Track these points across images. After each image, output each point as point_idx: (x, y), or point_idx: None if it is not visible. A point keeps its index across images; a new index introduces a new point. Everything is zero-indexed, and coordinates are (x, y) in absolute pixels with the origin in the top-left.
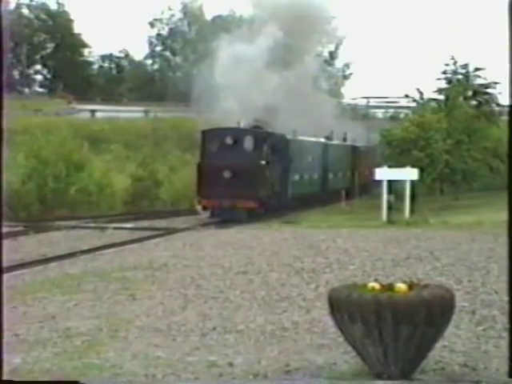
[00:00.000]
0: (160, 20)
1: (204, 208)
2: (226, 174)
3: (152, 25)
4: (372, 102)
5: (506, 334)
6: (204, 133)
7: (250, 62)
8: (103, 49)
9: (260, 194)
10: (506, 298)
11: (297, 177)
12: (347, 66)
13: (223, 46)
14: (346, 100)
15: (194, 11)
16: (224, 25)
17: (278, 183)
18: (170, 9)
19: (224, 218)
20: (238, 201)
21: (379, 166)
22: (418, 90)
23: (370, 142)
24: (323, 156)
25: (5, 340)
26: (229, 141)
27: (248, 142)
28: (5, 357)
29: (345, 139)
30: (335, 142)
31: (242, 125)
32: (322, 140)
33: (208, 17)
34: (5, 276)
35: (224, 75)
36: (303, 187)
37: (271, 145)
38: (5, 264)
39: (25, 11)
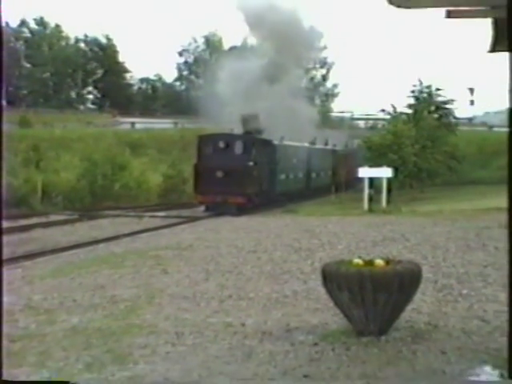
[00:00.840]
0: (187, 50)
1: (201, 203)
2: (219, 174)
3: (180, 54)
4: (355, 115)
5: (461, 299)
6: (200, 138)
7: (250, 81)
8: (141, 73)
9: (248, 190)
10: (461, 270)
11: (283, 176)
12: (335, 85)
13: (229, 67)
14: (335, 113)
15: (215, 43)
16: (238, 53)
17: (265, 182)
18: (195, 41)
19: (217, 211)
20: (228, 197)
21: (358, 166)
22: (392, 105)
23: (352, 146)
24: (307, 158)
25: (64, 305)
26: (221, 145)
27: (238, 146)
28: (63, 316)
29: (326, 144)
30: (318, 146)
31: (235, 131)
32: (306, 144)
33: (226, 47)
34: (65, 254)
35: (227, 91)
36: (289, 185)
37: (259, 148)
38: (64, 244)
39: (81, 45)
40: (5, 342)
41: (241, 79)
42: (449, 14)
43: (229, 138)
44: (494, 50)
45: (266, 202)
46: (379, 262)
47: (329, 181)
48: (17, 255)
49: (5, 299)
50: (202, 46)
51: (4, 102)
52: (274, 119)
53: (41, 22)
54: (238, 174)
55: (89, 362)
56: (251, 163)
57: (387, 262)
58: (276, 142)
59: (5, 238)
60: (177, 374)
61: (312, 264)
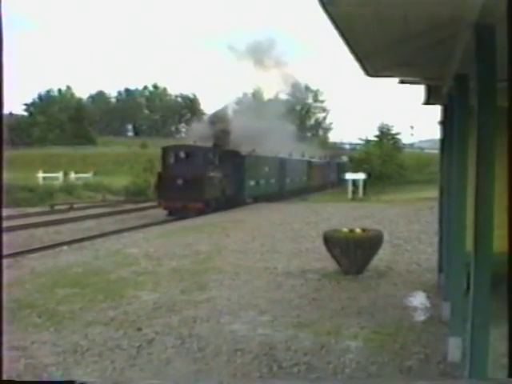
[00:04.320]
0: (240, 103)
1: (164, 208)
2: (179, 182)
3: (237, 103)
4: (344, 141)
5: (406, 252)
6: (164, 149)
7: (271, 121)
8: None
9: (206, 197)
10: (406, 235)
11: (252, 182)
12: (331, 123)
13: (260, 113)
14: (331, 140)
15: (258, 97)
16: (270, 104)
17: (230, 188)
18: (246, 96)
19: (178, 216)
20: (187, 202)
21: (331, 173)
22: (366, 136)
23: (335, 160)
24: (280, 167)
25: (167, 255)
26: (182, 155)
27: (198, 157)
28: (166, 261)
29: (303, 156)
30: (293, 157)
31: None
32: (280, 156)
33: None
34: (166, 225)
35: (256, 129)
36: (259, 189)
37: (223, 159)
38: (166, 219)
39: (179, 99)
40: (132, 276)
41: (263, 120)
42: (402, 81)
43: (189, 149)
44: (426, 103)
45: (232, 204)
46: (358, 230)
47: (304, 185)
48: (138, 225)
49: (132, 251)
50: (250, 99)
51: (132, 133)
52: (270, 139)
53: (155, 86)
54: (196, 182)
55: (182, 289)
56: (210, 172)
57: (363, 230)
58: (244, 153)
59: (132, 215)
60: (235, 297)
61: (317, 231)
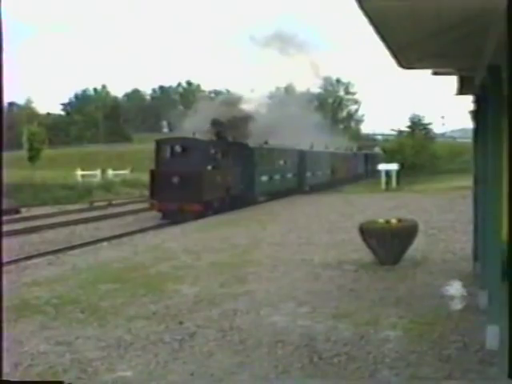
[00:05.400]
0: (272, 97)
1: (158, 210)
2: (175, 180)
3: (270, 98)
4: (376, 132)
5: (440, 241)
6: (157, 142)
7: (301, 112)
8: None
9: (206, 197)
10: (440, 224)
11: (264, 178)
12: (363, 115)
13: (289, 104)
14: (364, 132)
15: (292, 90)
16: (302, 96)
17: (236, 185)
18: (278, 89)
19: (173, 219)
20: (184, 204)
21: (358, 165)
22: (398, 127)
23: (364, 151)
24: (299, 160)
25: (205, 249)
26: (178, 149)
27: (196, 151)
28: (205, 255)
29: (326, 147)
30: (314, 149)
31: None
32: (298, 148)
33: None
34: (202, 220)
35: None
36: (273, 185)
37: (226, 152)
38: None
39: (212, 95)
40: (172, 271)
41: (292, 112)
42: (435, 73)
43: (186, 143)
44: (458, 93)
45: (240, 204)
46: (393, 220)
47: (327, 178)
48: (176, 220)
49: (170, 245)
50: (282, 93)
51: (167, 130)
52: (309, 140)
53: (188, 83)
54: (193, 180)
55: (222, 282)
56: (210, 167)
57: (398, 220)
58: (253, 146)
59: None
60: (274, 289)
61: (353, 223)
